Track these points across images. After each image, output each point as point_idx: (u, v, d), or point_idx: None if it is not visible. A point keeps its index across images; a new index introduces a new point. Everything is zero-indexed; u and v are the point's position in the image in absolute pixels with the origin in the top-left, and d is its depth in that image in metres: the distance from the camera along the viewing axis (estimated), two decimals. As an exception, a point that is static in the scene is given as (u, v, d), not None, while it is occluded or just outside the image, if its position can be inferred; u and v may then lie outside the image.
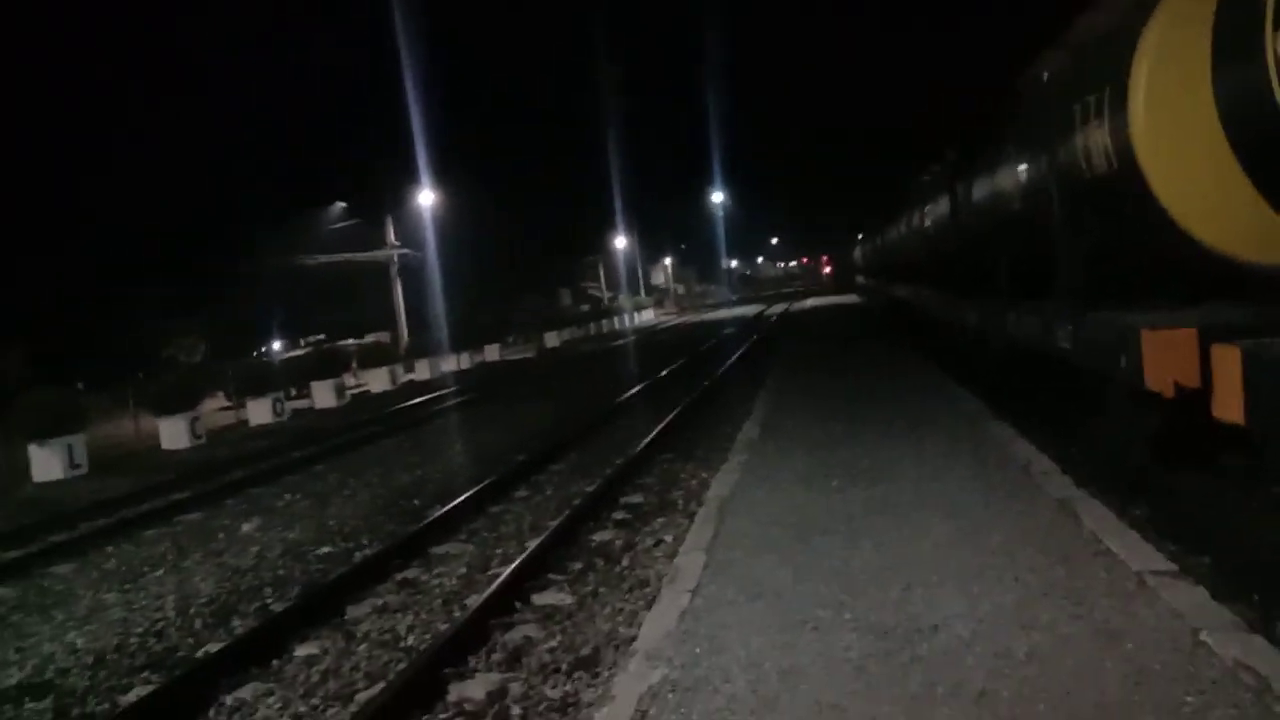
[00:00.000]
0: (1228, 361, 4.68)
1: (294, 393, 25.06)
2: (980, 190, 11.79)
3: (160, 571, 8.72)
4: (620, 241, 72.66)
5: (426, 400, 22.49)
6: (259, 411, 21.82)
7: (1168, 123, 5.59)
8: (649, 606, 5.75)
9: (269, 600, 7.42)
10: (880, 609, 4.98)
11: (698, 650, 4.72)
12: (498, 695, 5.12)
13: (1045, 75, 11.88)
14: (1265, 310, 5.48)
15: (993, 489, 7.12)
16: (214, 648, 6.29)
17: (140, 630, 6.98)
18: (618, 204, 67.15)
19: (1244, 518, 5.83)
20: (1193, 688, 3.78)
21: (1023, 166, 9.26)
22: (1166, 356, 5.44)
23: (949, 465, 8.03)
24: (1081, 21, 12.61)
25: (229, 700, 5.47)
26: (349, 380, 29.59)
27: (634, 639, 5.22)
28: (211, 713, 5.37)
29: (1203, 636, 4.21)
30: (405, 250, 40.75)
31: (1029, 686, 3.95)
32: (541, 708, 4.91)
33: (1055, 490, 6.89)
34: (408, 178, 39.75)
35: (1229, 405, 4.76)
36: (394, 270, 40.35)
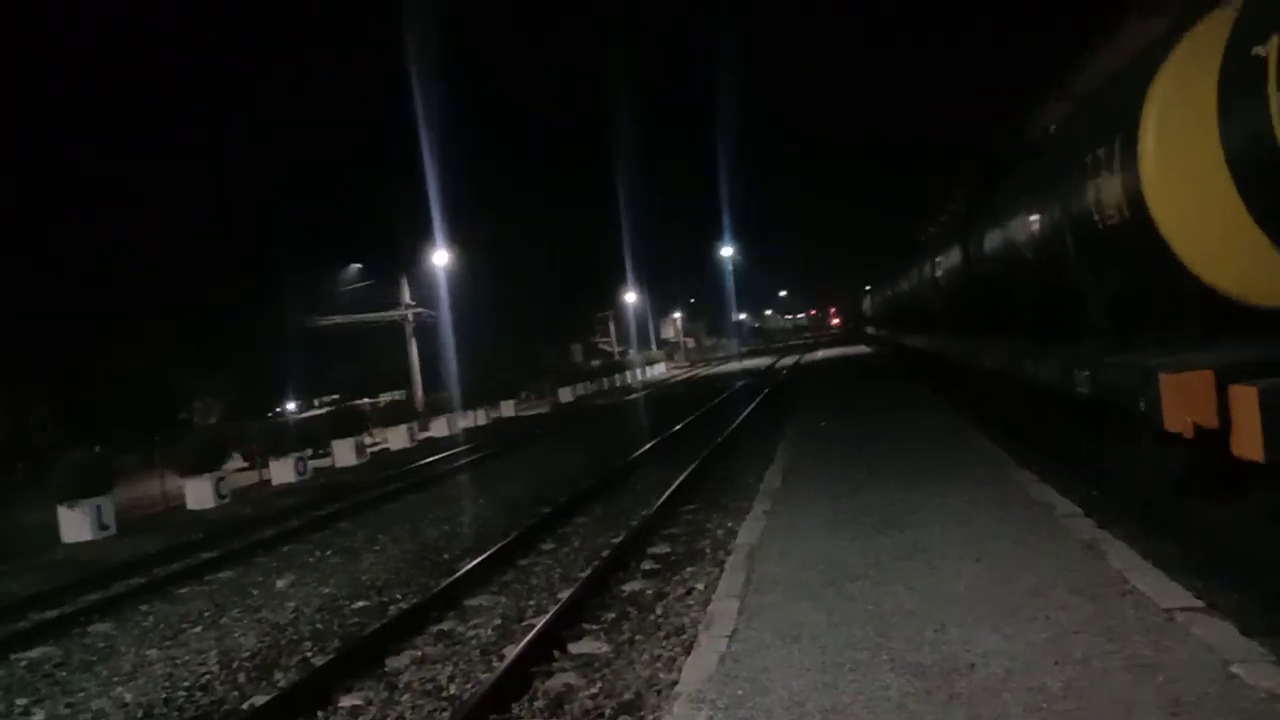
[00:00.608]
0: (1245, 401, 4.84)
1: (314, 452, 25.28)
2: (992, 240, 12.04)
3: (199, 628, 8.87)
4: (631, 296, 73.25)
5: (446, 456, 22.67)
6: (281, 471, 22.03)
7: (1177, 173, 5.81)
8: (687, 652, 5.87)
9: (309, 654, 7.56)
10: (916, 649, 5.10)
11: (740, 692, 4.84)
12: (544, 740, 5.24)
13: (1051, 127, 12.22)
14: (1275, 350, 5.66)
15: (1019, 532, 7.23)
16: (259, 700, 6.42)
17: (186, 684, 7.12)
18: (628, 260, 67.89)
19: (1268, 553, 5.96)
20: (1228, 718, 3.90)
21: (1035, 216, 9.51)
22: (1185, 398, 5.60)
23: (973, 510, 8.14)
24: (1082, 75, 13.00)
25: (280, 750, 5.59)
26: (367, 439, 29.83)
27: (675, 683, 5.34)
28: (263, 763, 5.49)
29: (1234, 669, 4.32)
30: (420, 309, 41.24)
31: (1067, 719, 4.07)
32: (590, 751, 5.03)
33: (1081, 532, 7.00)
34: (422, 237, 40.40)
35: (1248, 443, 4.91)
36: (409, 329, 40.82)
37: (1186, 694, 4.15)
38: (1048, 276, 9.20)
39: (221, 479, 19.48)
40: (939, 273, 18.18)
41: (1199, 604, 5.27)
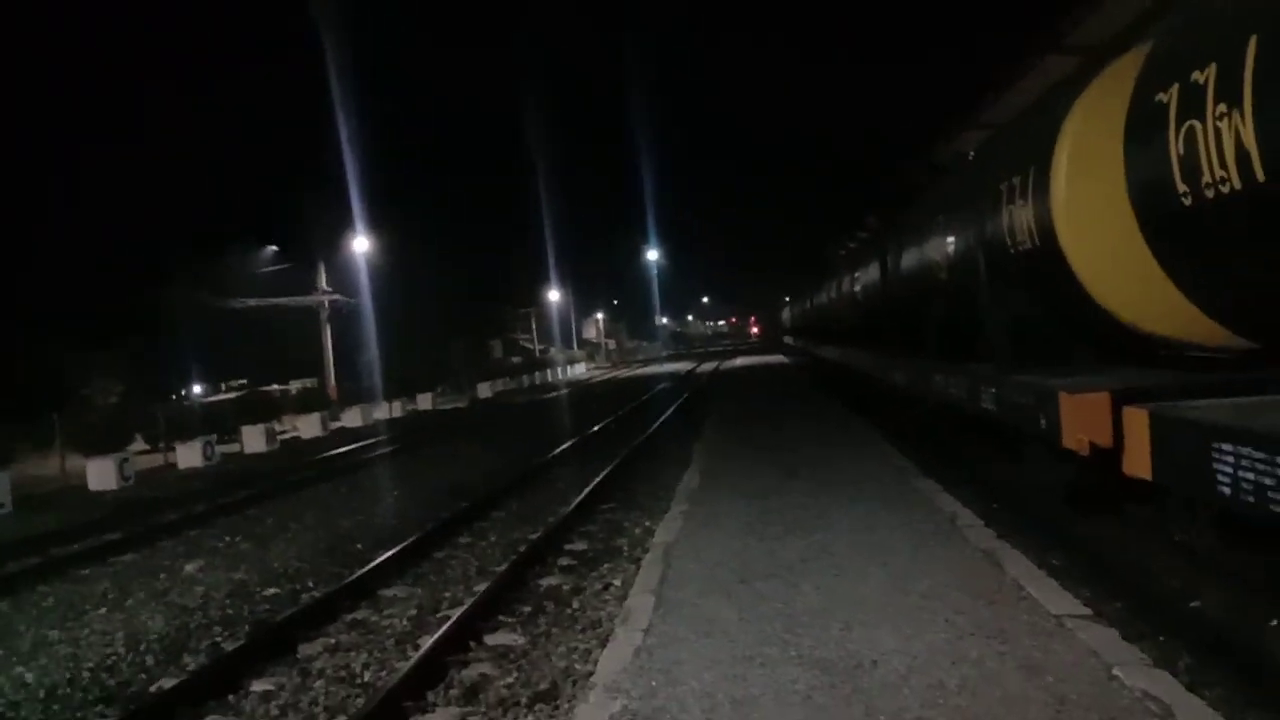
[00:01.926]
0: (1137, 423, 5.18)
1: (221, 437, 24.69)
2: (910, 259, 12.47)
3: (103, 609, 8.66)
4: (553, 295, 73.15)
5: (360, 447, 22.38)
6: (188, 455, 21.48)
7: (1085, 206, 6.18)
8: (603, 645, 6.00)
9: (219, 638, 7.47)
10: (823, 645, 5.33)
11: (654, 683, 4.99)
12: (459, 727, 5.31)
13: (970, 153, 12.71)
14: (1171, 376, 6.07)
15: (922, 539, 7.55)
16: (168, 683, 6.34)
17: (91, 665, 6.98)
18: (551, 257, 67.84)
19: (1151, 565, 6.37)
20: (1106, 715, 4.19)
21: (951, 238, 9.91)
22: (1082, 418, 5.96)
23: (880, 516, 8.46)
24: (999, 105, 13.54)
25: (189, 732, 5.56)
26: (277, 425, 29.24)
27: (591, 674, 5.47)
28: (173, 744, 5.45)
29: (1115, 671, 4.64)
30: (336, 296, 40.53)
31: (961, 714, 4.32)
32: (504, 737, 5.13)
33: (979, 540, 7.35)
34: (341, 224, 39.74)
35: (1138, 462, 5.26)
36: (324, 316, 40.09)
37: (1070, 693, 4.45)
38: (960, 296, 9.60)
39: (125, 460, 18.92)
40: (857, 288, 18.69)
41: (1086, 611, 5.62)
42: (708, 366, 55.06)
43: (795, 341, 50.13)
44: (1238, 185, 3.95)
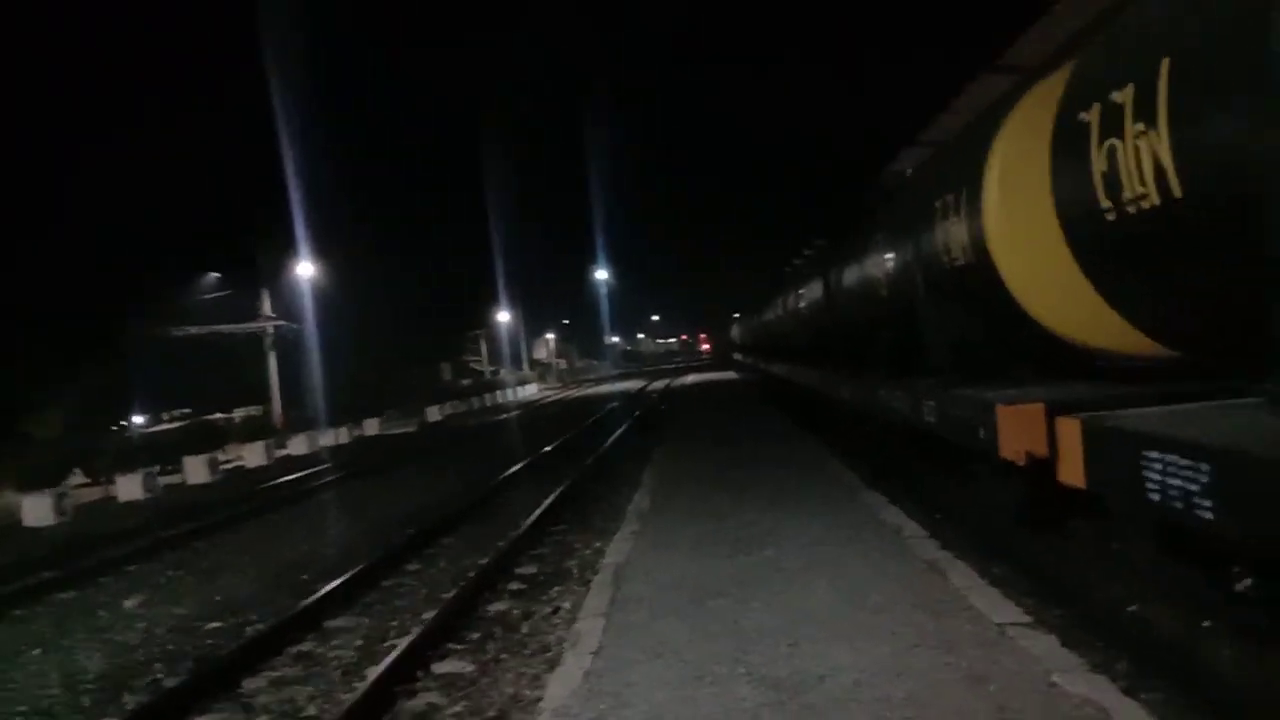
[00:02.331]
0: (1070, 432, 5.29)
1: (163, 468, 24.17)
2: (851, 276, 12.64)
3: (39, 650, 8.41)
4: (503, 316, 72.90)
5: (305, 475, 22.03)
6: (129, 487, 20.96)
7: (1016, 222, 6.32)
8: (552, 669, 5.97)
9: (160, 675, 7.29)
10: (772, 663, 5.36)
11: (603, 706, 4.98)
12: (407, 758, 5.25)
13: (908, 171, 12.94)
14: (1102, 387, 6.21)
15: (869, 553, 7.64)
16: (106, 724, 6.18)
17: (24, 709, 6.77)
18: (501, 279, 67.64)
19: (1088, 573, 6.49)
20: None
21: (890, 255, 10.07)
22: (1018, 429, 6.07)
23: (828, 532, 8.54)
24: (937, 123, 13.82)
25: (128, 774, 5.42)
26: (220, 455, 28.70)
27: (540, 699, 5.44)
28: (111, 787, 5.30)
29: (1054, 678, 4.74)
30: (280, 322, 39.98)
31: (907, 726, 4.38)
32: (453, 767, 5.08)
33: (924, 553, 7.46)
34: (285, 249, 39.28)
35: (1072, 471, 5.36)
36: (268, 343, 39.49)
37: (1013, 701, 4.53)
38: (901, 313, 9.75)
39: (64, 495, 18.42)
40: (802, 304, 18.88)
41: (1028, 619, 5.74)
42: (658, 384, 55.18)
43: (745, 358, 50.45)
44: (1156, 201, 4.07)
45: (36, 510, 17.82)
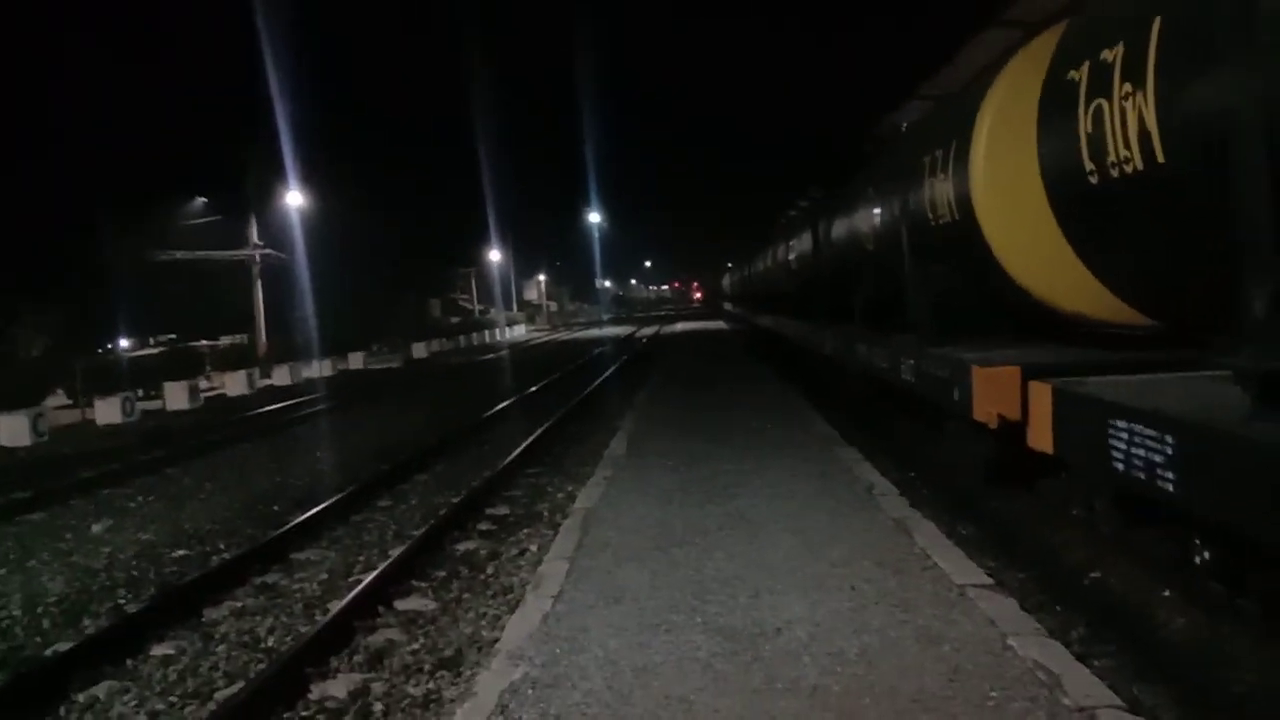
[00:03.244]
0: (1041, 397, 5.26)
1: (144, 393, 24.07)
2: (840, 229, 12.52)
3: (3, 570, 8.39)
4: (494, 255, 72.43)
5: (286, 406, 21.97)
6: (107, 411, 20.86)
7: (1002, 181, 6.22)
8: (512, 611, 5.96)
9: (122, 600, 7.28)
10: (729, 613, 5.36)
11: (558, 650, 4.97)
12: (360, 693, 5.25)
13: (904, 125, 12.76)
14: (1078, 353, 6.17)
15: (838, 507, 7.63)
16: (64, 646, 6.16)
17: (-17, 629, 6.76)
18: (492, 216, 67.06)
19: (1054, 538, 6.51)
20: (997, 684, 4.27)
21: (878, 210, 9.95)
22: (992, 391, 6.04)
23: (799, 484, 8.53)
24: (939, 76, 13.57)
25: (81, 698, 5.40)
26: (204, 382, 28.59)
27: (496, 641, 5.42)
28: (63, 710, 5.29)
29: (1010, 641, 4.73)
30: (268, 250, 39.58)
31: (857, 682, 4.37)
32: (404, 704, 5.08)
33: (893, 510, 7.45)
34: (274, 176, 38.75)
35: (1041, 436, 5.34)
36: (255, 271, 39.14)
37: (966, 662, 4.52)
38: (886, 268, 9.67)
39: (40, 415, 18.32)
40: (791, 256, 18.76)
41: (989, 581, 5.72)
42: (647, 331, 55.11)
43: (734, 308, 50.38)
44: (1140, 165, 3.98)
45: (12, 430, 17.73)
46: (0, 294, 35.03)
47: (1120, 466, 4.22)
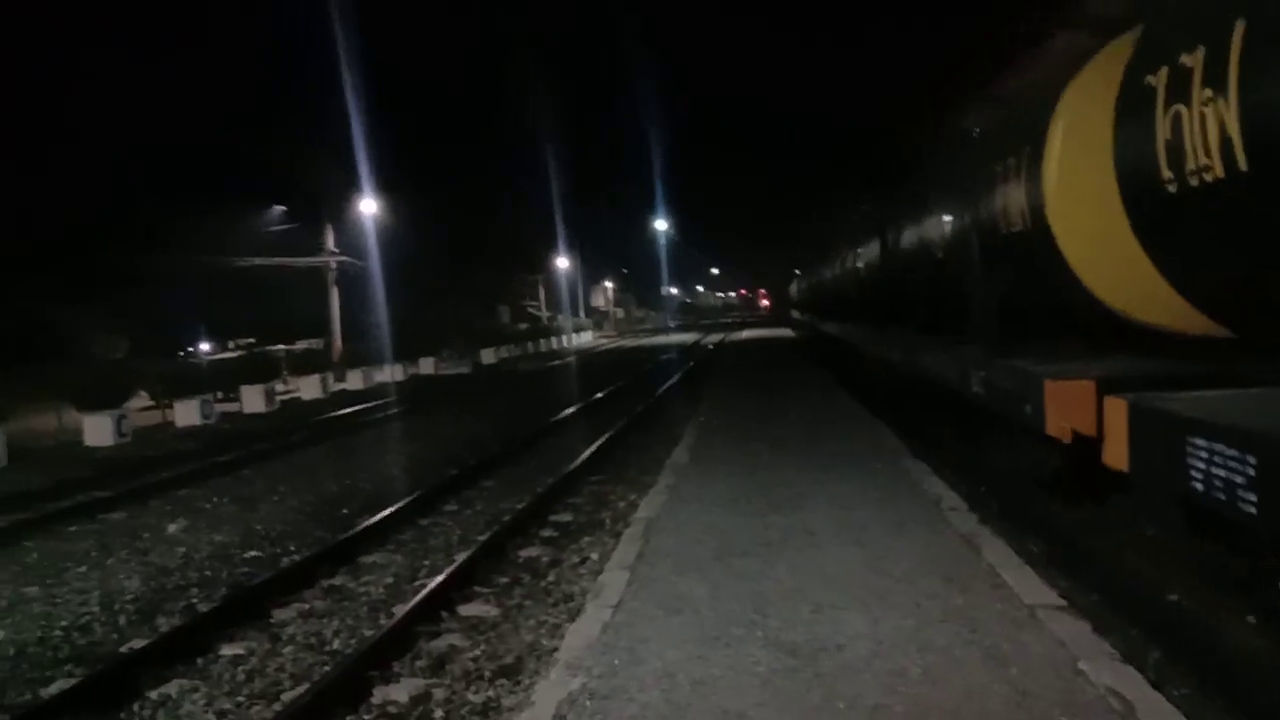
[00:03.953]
0: (1116, 413, 5.08)
1: (222, 395, 24.74)
2: (908, 236, 12.32)
3: (84, 568, 8.69)
4: (562, 262, 72.93)
5: (358, 410, 22.39)
6: (186, 413, 21.50)
7: (1076, 188, 6.04)
8: (572, 619, 5.97)
9: (195, 600, 7.48)
10: (790, 628, 5.28)
11: (616, 661, 4.96)
12: (421, 698, 5.30)
13: (975, 130, 12.51)
14: (1155, 365, 5.96)
15: (903, 521, 7.49)
16: (138, 643, 6.35)
17: (64, 624, 7.00)
18: (560, 224, 67.54)
19: (1128, 558, 6.29)
20: (1067, 710, 4.14)
21: (948, 217, 9.77)
22: (1066, 405, 5.86)
23: (865, 497, 8.40)
24: (1008, 79, 13.29)
25: (154, 695, 5.56)
26: (279, 386, 29.27)
27: (556, 650, 5.44)
28: (136, 706, 5.44)
29: (1081, 665, 4.58)
30: (343, 257, 40.44)
31: (920, 703, 4.27)
32: (464, 711, 5.11)
33: (961, 525, 7.28)
34: (349, 185, 39.58)
35: (1116, 453, 5.16)
36: (331, 277, 40.02)
37: (1034, 686, 4.39)
38: (955, 277, 9.48)
39: (123, 417, 18.95)
40: (860, 264, 18.53)
41: (1060, 602, 5.55)
42: (713, 338, 54.96)
43: (802, 315, 49.95)
44: (1220, 173, 3.82)
45: (97, 430, 18.38)
46: (87, 298, 36.37)
47: (1199, 486, 4.06)
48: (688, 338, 59.90)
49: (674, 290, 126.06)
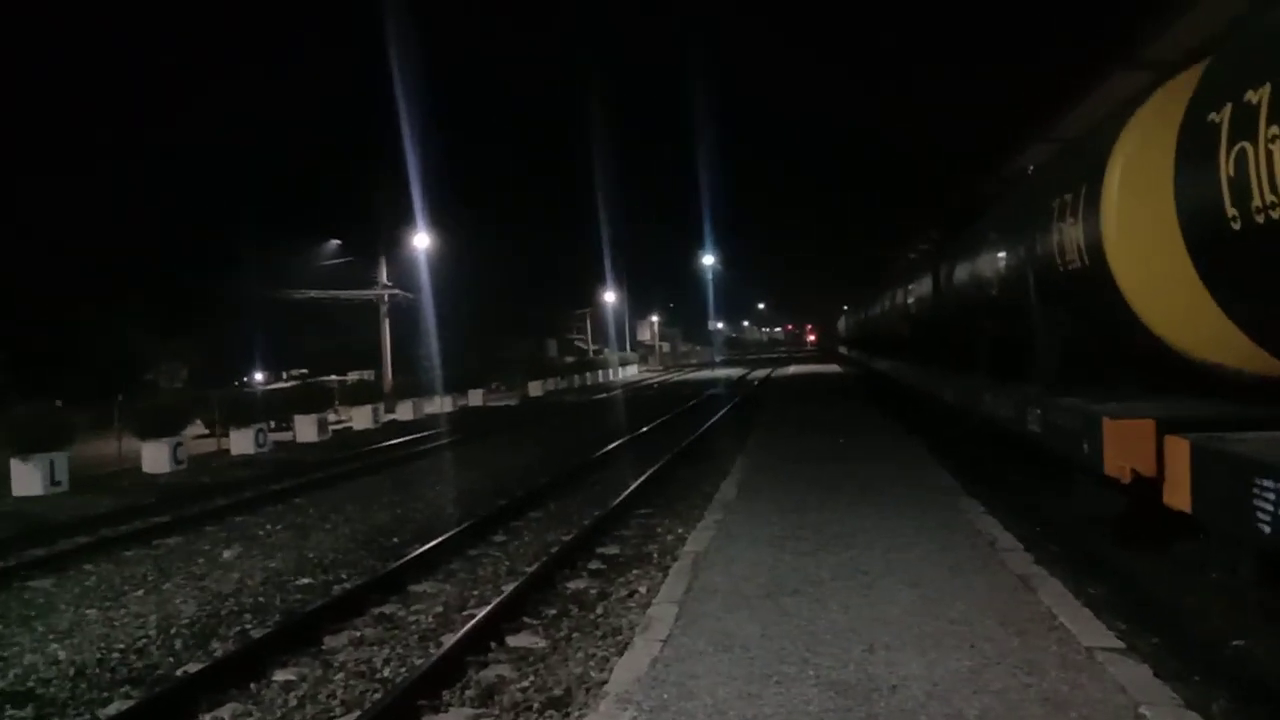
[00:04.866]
0: (1178, 453, 5.00)
1: (275, 425, 25.14)
2: (962, 273, 12.23)
3: (141, 591, 8.85)
4: (609, 296, 73.33)
5: (408, 440, 22.63)
6: (241, 441, 21.89)
7: (1136, 227, 5.98)
8: (621, 653, 5.95)
9: (249, 626, 7.58)
10: (842, 667, 5.22)
11: (666, 696, 4.93)
12: (471, 728, 5.30)
13: (1030, 167, 12.43)
14: (1217, 406, 5.85)
15: (959, 561, 7.38)
16: (194, 667, 6.44)
17: (122, 646, 7.12)
18: (608, 258, 68.04)
19: (1190, 601, 6.14)
20: (1129, 756, 4.04)
21: (1003, 254, 9.69)
22: (1125, 445, 5.77)
23: (918, 536, 8.28)
24: (1065, 118, 13.19)
25: (207, 718, 5.63)
26: (331, 416, 29.67)
27: (605, 683, 5.42)
28: (190, 731, 5.52)
29: (1142, 710, 4.46)
30: (396, 290, 41.13)
31: (976, 746, 4.19)
32: (513, 742, 5.11)
33: (1017, 566, 7.15)
34: (403, 218, 40.32)
35: (1178, 494, 5.07)
36: (383, 310, 40.70)
37: (1094, 730, 4.29)
38: (1010, 314, 9.38)
39: (180, 444, 19.34)
40: (910, 300, 18.40)
41: (1119, 645, 5.42)
42: (760, 373, 54.73)
43: (850, 352, 49.62)
44: (1288, 211, 3.78)
45: (155, 458, 18.78)
46: (147, 328, 37.30)
47: (1266, 529, 3.97)
48: (734, 372, 59.73)
49: (720, 325, 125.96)
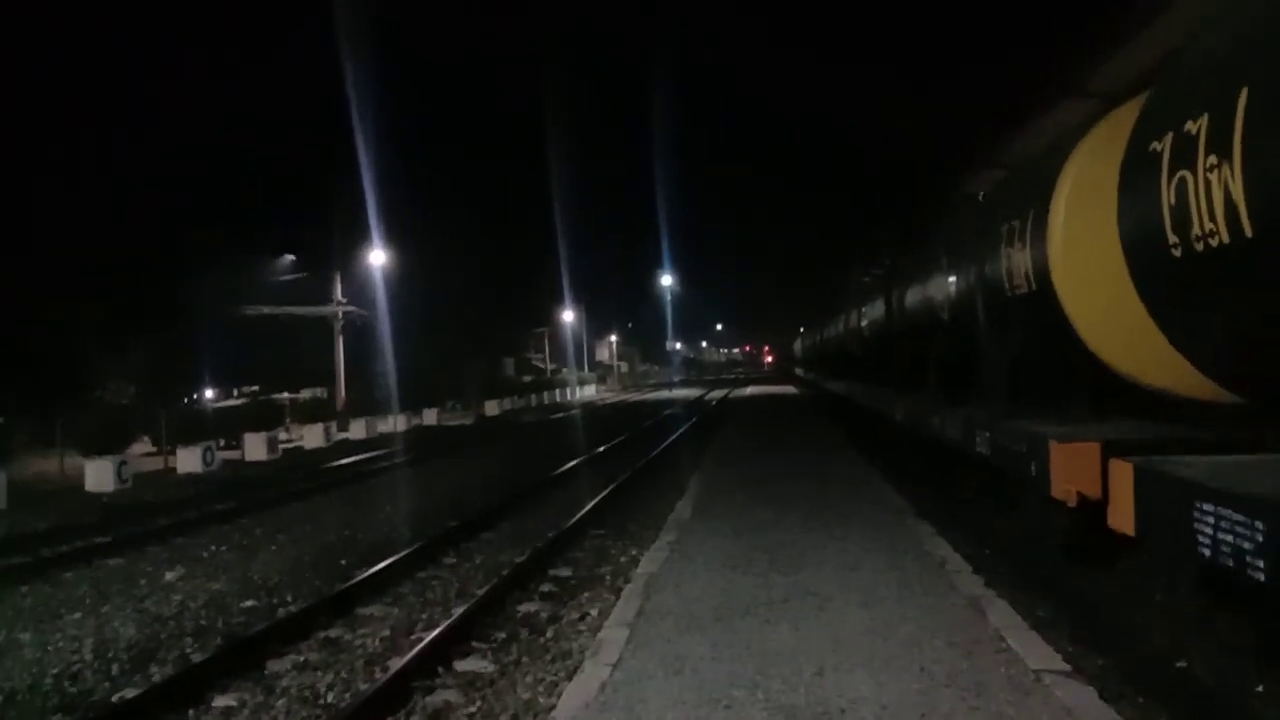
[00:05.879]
0: (1122, 476, 5.05)
1: (224, 443, 24.70)
2: (914, 296, 12.37)
3: (79, 614, 8.59)
4: (567, 315, 73.26)
5: (360, 460, 22.33)
6: (188, 460, 21.45)
7: (1081, 252, 6.08)
8: (570, 677, 5.88)
9: (189, 649, 7.38)
10: (792, 690, 5.19)
11: (614, 722, 4.87)
12: (415, 756, 5.20)
13: (981, 194, 12.63)
14: (1161, 429, 5.94)
15: (908, 583, 7.41)
16: (130, 693, 6.25)
17: (55, 671, 6.90)
18: (566, 278, 68.00)
19: (1139, 623, 6.21)
20: (1074, 779, 4.05)
21: (953, 278, 9.81)
22: (1071, 467, 5.83)
23: (868, 557, 8.31)
24: (1014, 144, 13.45)
25: (142, 747, 5.46)
26: (282, 434, 29.24)
27: (553, 708, 5.34)
28: (124, 759, 5.35)
29: (1087, 733, 4.49)
30: (350, 308, 40.67)
31: (924, 770, 4.19)
32: (458, 770, 5.01)
33: (966, 588, 7.19)
34: (357, 236, 39.94)
35: (1122, 517, 5.12)
36: (338, 327, 40.21)
37: (1039, 754, 4.30)
38: (960, 337, 9.49)
39: (124, 462, 18.91)
40: (864, 323, 18.58)
41: (1066, 667, 5.46)
42: (718, 394, 54.90)
43: (806, 373, 50.00)
44: (1225, 239, 3.84)
45: (98, 476, 18.33)
46: (90, 344, 36.37)
47: (1206, 552, 4.02)
48: (691, 393, 59.87)
49: (679, 346, 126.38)
